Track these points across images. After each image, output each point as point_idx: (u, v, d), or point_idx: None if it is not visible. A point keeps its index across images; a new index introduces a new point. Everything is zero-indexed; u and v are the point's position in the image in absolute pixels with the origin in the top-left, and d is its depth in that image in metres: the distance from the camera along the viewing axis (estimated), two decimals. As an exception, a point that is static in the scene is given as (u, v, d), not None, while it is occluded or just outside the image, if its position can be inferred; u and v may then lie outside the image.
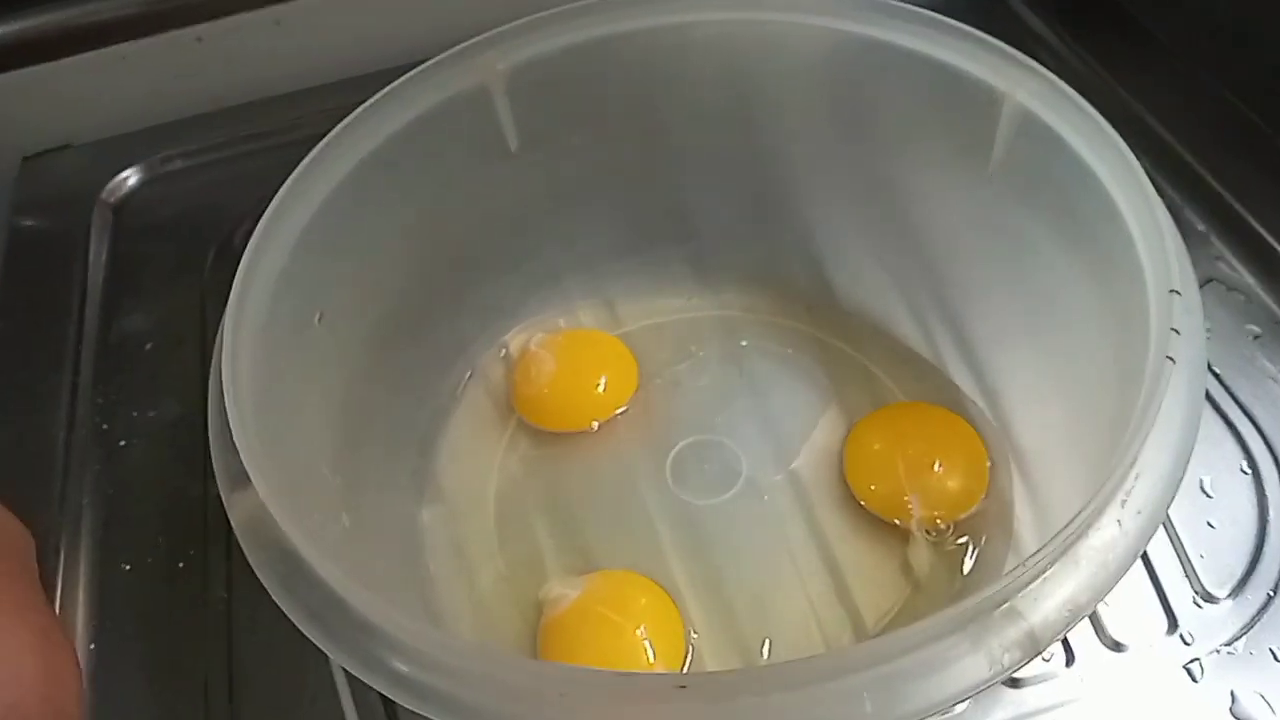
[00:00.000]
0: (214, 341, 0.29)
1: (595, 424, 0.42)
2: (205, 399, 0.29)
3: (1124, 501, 0.25)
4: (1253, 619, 0.36)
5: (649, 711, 0.23)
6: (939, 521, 0.37)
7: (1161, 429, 0.26)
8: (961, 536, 0.37)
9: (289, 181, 0.32)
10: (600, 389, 0.43)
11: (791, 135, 0.41)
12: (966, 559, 0.37)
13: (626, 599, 0.35)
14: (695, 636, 0.35)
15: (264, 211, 0.31)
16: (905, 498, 0.37)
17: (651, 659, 0.33)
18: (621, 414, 0.43)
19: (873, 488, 0.39)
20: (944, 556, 0.37)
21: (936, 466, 0.38)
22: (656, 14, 0.36)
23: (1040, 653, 0.23)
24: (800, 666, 0.22)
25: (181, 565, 0.39)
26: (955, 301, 0.42)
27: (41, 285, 0.50)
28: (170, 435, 0.44)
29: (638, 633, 0.34)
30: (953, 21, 0.34)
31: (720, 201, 0.43)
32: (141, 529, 0.41)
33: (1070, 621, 0.23)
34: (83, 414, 0.45)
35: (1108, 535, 0.24)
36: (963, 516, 0.37)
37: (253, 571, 0.26)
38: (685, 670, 0.34)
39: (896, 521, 0.38)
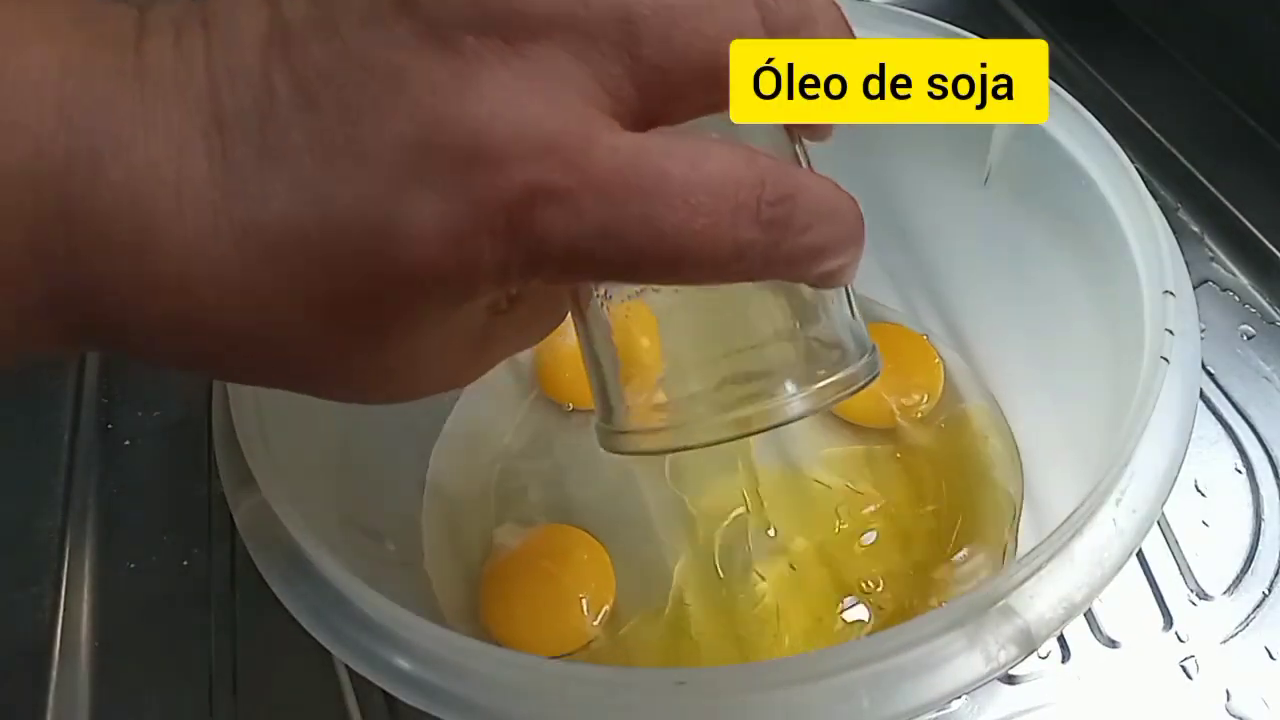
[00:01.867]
0: (218, 343, 0.30)
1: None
2: (210, 399, 0.29)
3: (1119, 500, 0.25)
4: (1248, 617, 0.36)
5: (649, 707, 0.23)
6: (919, 412, 0.41)
7: (1156, 428, 0.26)
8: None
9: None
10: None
11: (790, 137, 0.41)
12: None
13: (566, 551, 0.38)
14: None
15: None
16: (886, 401, 0.41)
17: (584, 605, 0.36)
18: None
19: (857, 404, 0.41)
20: (935, 432, 0.40)
21: (899, 368, 0.41)
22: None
23: (1036, 650, 0.23)
24: (797, 663, 0.22)
25: (186, 564, 0.40)
26: (952, 302, 0.42)
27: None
28: (175, 435, 0.44)
29: (571, 580, 0.37)
30: (947, 25, 0.34)
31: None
32: (146, 528, 0.41)
33: (1066, 619, 0.23)
34: (88, 414, 0.45)
35: (1103, 533, 0.24)
36: (938, 395, 0.41)
37: (257, 570, 0.26)
38: (599, 619, 0.36)
39: (882, 425, 0.41)
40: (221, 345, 0.17)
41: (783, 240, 0.18)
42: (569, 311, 0.24)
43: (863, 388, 0.23)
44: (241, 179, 0.16)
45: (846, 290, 0.24)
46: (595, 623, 0.36)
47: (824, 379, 0.22)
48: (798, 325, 0.23)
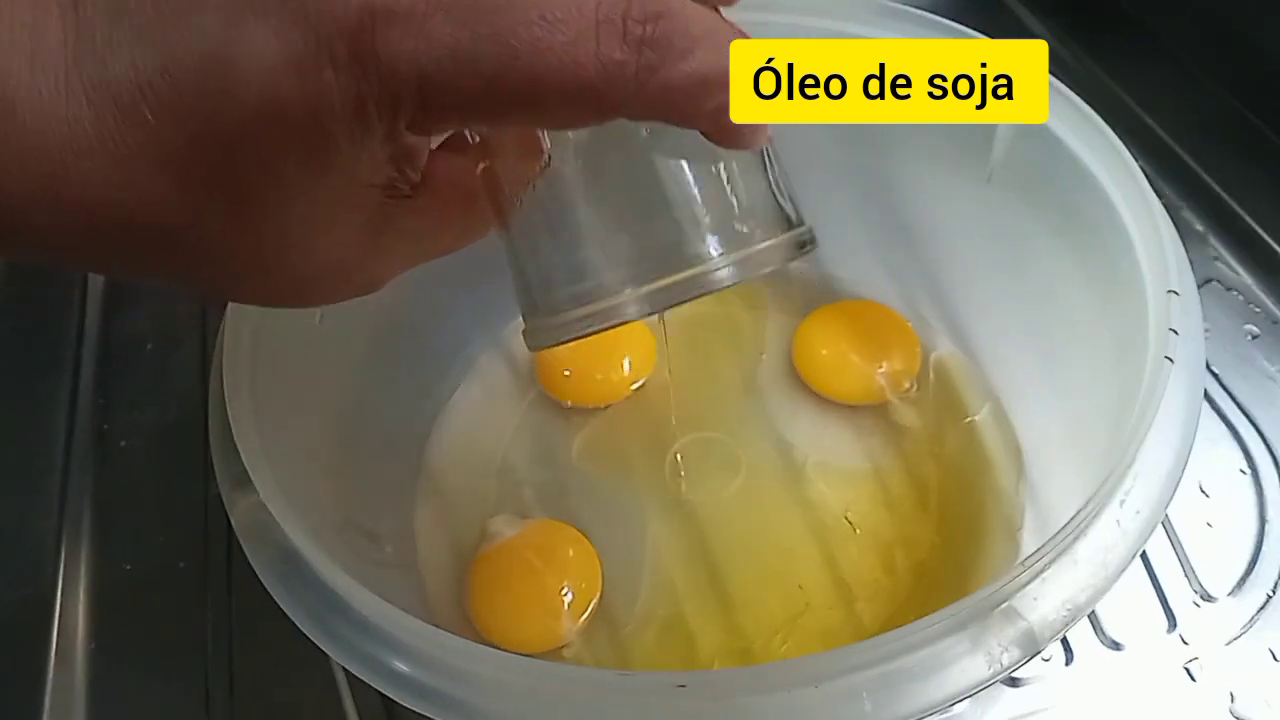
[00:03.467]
0: (215, 342, 0.30)
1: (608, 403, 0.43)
2: (206, 400, 0.29)
3: (1123, 501, 0.25)
4: (1252, 618, 0.36)
5: (649, 710, 0.23)
6: (905, 382, 0.42)
7: (1160, 429, 0.26)
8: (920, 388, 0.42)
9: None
10: (624, 369, 0.44)
11: (791, 137, 0.40)
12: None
13: (554, 546, 0.38)
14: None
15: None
16: (874, 376, 0.42)
17: (566, 603, 0.36)
18: (627, 399, 0.43)
19: (844, 385, 0.42)
20: (923, 409, 0.41)
21: (878, 343, 0.42)
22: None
23: (1039, 652, 0.23)
24: (800, 665, 0.22)
25: (182, 565, 0.40)
26: (955, 301, 0.42)
27: (43, 286, 0.50)
28: (171, 436, 0.44)
29: (555, 576, 0.37)
30: (950, 23, 0.34)
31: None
32: (142, 529, 0.41)
33: (1069, 621, 0.23)
34: (83, 415, 0.45)
35: (1106, 535, 0.24)
36: (918, 371, 0.42)
37: (253, 571, 0.26)
38: (583, 616, 0.36)
39: (870, 401, 0.42)
40: (88, 221, 0.17)
41: (659, 65, 0.17)
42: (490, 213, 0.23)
43: (791, 259, 0.23)
44: (90, 37, 0.16)
45: (771, 160, 0.23)
46: (577, 622, 0.36)
47: (747, 248, 0.22)
48: (717, 194, 0.22)
